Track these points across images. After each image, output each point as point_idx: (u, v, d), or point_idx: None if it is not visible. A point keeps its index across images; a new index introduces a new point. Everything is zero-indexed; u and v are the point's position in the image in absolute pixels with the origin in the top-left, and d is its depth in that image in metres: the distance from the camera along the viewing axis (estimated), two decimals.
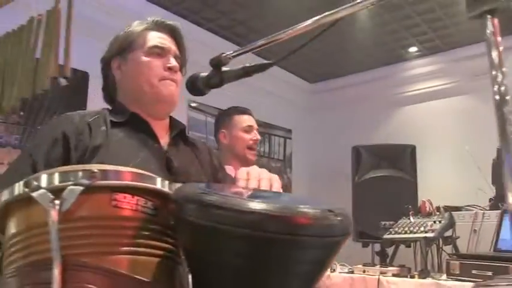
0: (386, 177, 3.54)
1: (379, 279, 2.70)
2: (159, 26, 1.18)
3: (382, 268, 2.85)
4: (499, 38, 0.59)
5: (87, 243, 0.55)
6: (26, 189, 0.57)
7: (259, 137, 2.32)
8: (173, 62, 1.13)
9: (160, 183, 0.63)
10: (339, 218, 0.57)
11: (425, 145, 3.82)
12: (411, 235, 2.83)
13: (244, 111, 2.36)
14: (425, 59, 4.31)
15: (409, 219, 3.10)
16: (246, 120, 2.32)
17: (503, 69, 0.56)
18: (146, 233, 0.60)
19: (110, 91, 1.19)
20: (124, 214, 0.58)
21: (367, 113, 4.70)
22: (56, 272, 0.52)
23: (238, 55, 0.96)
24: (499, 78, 0.57)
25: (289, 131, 5.42)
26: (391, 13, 3.54)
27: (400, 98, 4.52)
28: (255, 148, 2.31)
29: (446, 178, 3.92)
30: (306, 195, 0.87)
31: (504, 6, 0.58)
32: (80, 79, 3.18)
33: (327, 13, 0.83)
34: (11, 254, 0.59)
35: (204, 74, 0.98)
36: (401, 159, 3.62)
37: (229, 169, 2.16)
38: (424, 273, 2.78)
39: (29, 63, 0.62)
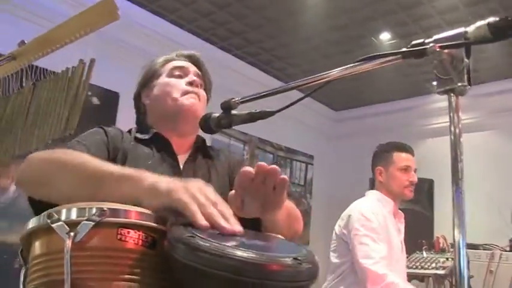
0: (402, 210, 3.55)
1: None
2: (180, 56, 1.29)
3: None
4: (460, 114, 0.69)
5: (94, 270, 0.66)
6: (48, 221, 0.68)
7: (416, 179, 2.23)
8: (194, 77, 1.22)
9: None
10: (306, 266, 0.65)
11: (444, 180, 3.81)
12: (421, 270, 2.84)
13: (403, 148, 2.27)
14: None
15: (422, 254, 3.11)
16: (404, 159, 2.23)
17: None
18: (145, 264, 0.70)
19: (141, 121, 1.28)
20: (127, 247, 0.68)
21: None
22: None
23: (245, 102, 1.07)
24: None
25: (311, 156, 5.49)
26: None
27: (421, 130, 4.53)
28: (412, 186, 2.22)
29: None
30: (287, 242, 0.92)
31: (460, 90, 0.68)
32: (111, 99, 3.38)
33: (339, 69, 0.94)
34: (32, 273, 0.70)
35: (216, 115, 1.07)
36: (419, 193, 3.63)
37: (388, 202, 2.21)
38: None
39: (60, 109, 0.75)
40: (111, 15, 0.76)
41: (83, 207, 0.70)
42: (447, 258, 2.91)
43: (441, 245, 3.07)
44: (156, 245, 0.72)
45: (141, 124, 1.28)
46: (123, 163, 1.06)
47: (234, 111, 1.07)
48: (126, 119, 3.29)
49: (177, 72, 1.23)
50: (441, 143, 4.49)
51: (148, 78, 1.27)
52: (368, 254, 1.97)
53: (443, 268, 2.78)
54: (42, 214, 0.71)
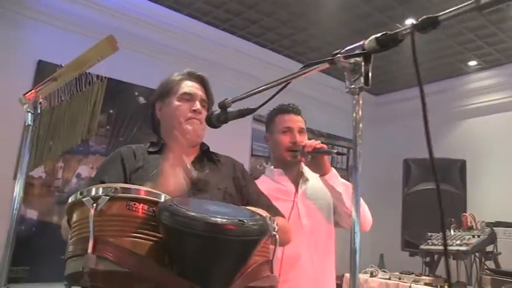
0: (433, 190, 3.64)
1: (410, 286, 2.87)
2: (191, 76, 1.56)
3: (417, 277, 3.01)
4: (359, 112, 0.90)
5: (110, 229, 0.94)
6: (80, 196, 0.98)
7: (299, 139, 2.01)
8: (198, 106, 1.50)
9: (162, 198, 1.01)
10: (253, 226, 0.90)
11: (477, 160, 3.83)
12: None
13: (285, 109, 2.08)
14: (485, 73, 4.29)
15: (450, 232, 3.21)
16: (285, 120, 2.05)
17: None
18: (147, 225, 0.98)
19: (154, 125, 1.60)
20: (133, 214, 0.97)
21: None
22: (91, 244, 0.92)
23: (235, 101, 1.32)
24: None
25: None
26: (442, 30, 3.64)
27: (460, 111, 4.52)
28: (295, 150, 2.00)
29: (498, 194, 3.89)
30: (246, 210, 1.10)
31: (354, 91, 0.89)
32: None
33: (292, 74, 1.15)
34: (72, 232, 1.01)
35: (217, 112, 1.34)
36: (451, 173, 3.69)
37: (273, 172, 2.08)
38: (458, 286, 2.89)
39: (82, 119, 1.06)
40: (114, 48, 1.05)
41: (106, 186, 0.99)
42: (473, 236, 3.00)
43: (468, 223, 3.15)
44: (156, 213, 1.00)
45: (156, 130, 1.59)
46: (141, 174, 1.37)
47: (229, 109, 1.33)
48: None
49: (186, 97, 1.51)
50: (478, 124, 4.47)
51: (163, 94, 1.56)
52: None
53: (467, 245, 2.88)
54: (78, 192, 1.02)
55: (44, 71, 3.16)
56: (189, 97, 1.52)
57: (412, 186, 3.75)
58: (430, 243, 3.05)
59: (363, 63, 0.89)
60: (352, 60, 0.90)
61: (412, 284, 2.84)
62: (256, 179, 2.39)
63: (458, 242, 2.95)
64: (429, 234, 3.22)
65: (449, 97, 4.58)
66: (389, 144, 5.13)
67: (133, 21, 3.60)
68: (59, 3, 3.28)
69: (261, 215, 0.98)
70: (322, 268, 2.03)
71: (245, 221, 0.90)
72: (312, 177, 2.11)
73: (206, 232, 0.88)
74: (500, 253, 3.07)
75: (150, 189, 1.02)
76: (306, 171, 2.13)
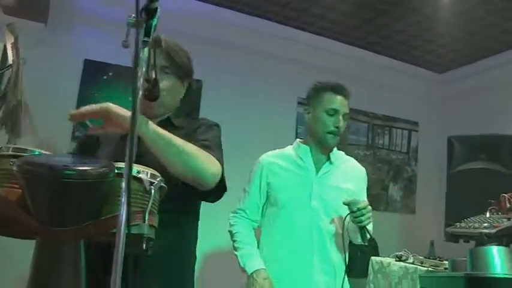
0: (481, 170, 3.30)
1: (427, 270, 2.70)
2: (155, 43, 1.51)
3: (439, 262, 2.83)
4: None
5: None
6: None
7: (341, 124, 2.02)
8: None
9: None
10: (91, 171, 1.02)
11: None
12: (470, 230, 2.72)
13: (337, 90, 2.04)
14: None
15: (485, 214, 2.94)
16: (334, 102, 2.02)
17: None
18: None
19: None
20: (14, 169, 1.16)
21: (500, 100, 4.28)
22: None
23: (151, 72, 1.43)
24: None
25: (415, 123, 5.29)
26: None
27: None
28: (337, 133, 2.04)
29: None
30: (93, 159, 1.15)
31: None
32: (195, 86, 3.96)
33: None
34: None
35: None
36: (502, 151, 3.31)
37: (304, 148, 2.14)
38: None
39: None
40: (14, 33, 1.24)
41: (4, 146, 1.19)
42: (509, 219, 2.70)
43: (506, 205, 2.83)
44: None
45: None
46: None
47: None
48: (208, 104, 3.83)
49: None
50: None
51: None
52: None
53: (494, 228, 2.61)
54: None
55: (90, 68, 3.59)
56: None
57: (456, 166, 3.43)
58: (458, 226, 2.81)
59: (145, 17, 0.93)
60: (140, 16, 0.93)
61: (430, 269, 2.67)
62: None
63: (486, 224, 2.68)
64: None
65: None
66: (463, 123, 4.69)
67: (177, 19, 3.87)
68: (102, 8, 3.67)
69: (102, 164, 1.08)
70: (320, 254, 2.01)
71: (74, 166, 1.01)
72: (342, 171, 2.12)
73: (42, 177, 1.01)
74: None
75: (24, 147, 1.17)
76: (337, 157, 2.14)
